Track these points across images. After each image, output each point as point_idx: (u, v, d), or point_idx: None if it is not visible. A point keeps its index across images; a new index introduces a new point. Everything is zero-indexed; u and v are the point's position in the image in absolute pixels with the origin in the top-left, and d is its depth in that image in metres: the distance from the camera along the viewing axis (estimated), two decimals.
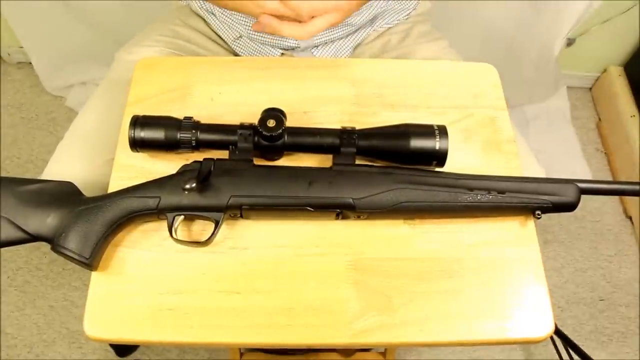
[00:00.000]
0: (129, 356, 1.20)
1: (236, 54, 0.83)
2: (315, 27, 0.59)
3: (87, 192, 0.56)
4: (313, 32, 0.59)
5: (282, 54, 0.81)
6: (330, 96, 0.65)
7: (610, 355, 1.25)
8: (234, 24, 0.78)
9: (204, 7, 0.81)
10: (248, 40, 0.80)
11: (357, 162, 0.56)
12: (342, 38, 0.81)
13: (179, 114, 0.57)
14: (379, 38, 0.84)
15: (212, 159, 0.55)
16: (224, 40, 0.83)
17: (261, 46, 0.80)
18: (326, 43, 0.80)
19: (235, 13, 0.76)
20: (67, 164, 0.70)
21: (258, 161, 0.57)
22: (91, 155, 0.69)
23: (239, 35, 0.80)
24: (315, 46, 0.80)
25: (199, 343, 0.51)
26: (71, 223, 0.52)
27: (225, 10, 0.78)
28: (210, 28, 0.83)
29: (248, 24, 0.77)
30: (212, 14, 0.81)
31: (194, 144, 0.56)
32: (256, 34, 0.78)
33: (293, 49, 0.80)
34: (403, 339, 0.51)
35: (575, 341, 1.12)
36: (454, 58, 0.82)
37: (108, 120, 0.69)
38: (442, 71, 0.68)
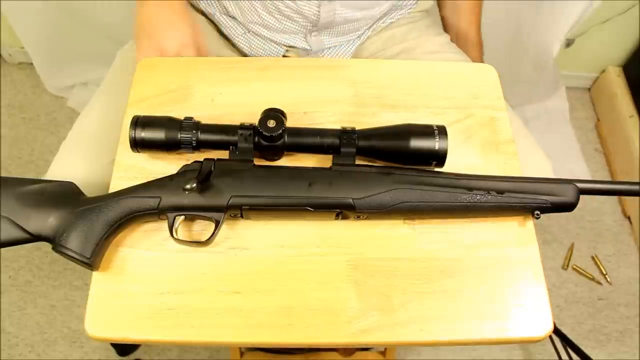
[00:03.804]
0: (130, 355, 1.20)
1: (241, 52, 0.83)
2: None
3: (90, 192, 0.56)
4: None
5: (287, 50, 0.81)
6: (330, 96, 0.65)
7: (608, 354, 1.26)
8: (245, 21, 0.79)
9: (212, 5, 0.81)
10: (254, 37, 0.80)
11: (357, 162, 0.56)
12: (349, 41, 0.82)
13: (179, 114, 0.57)
14: (382, 32, 0.84)
15: (212, 159, 0.55)
16: (227, 39, 0.83)
17: (265, 42, 0.80)
18: (334, 46, 0.81)
19: (250, 12, 0.77)
20: (70, 164, 0.70)
21: (258, 161, 0.57)
22: (94, 155, 0.69)
23: (244, 31, 0.81)
24: (325, 49, 0.81)
25: (199, 342, 0.52)
26: (72, 223, 0.52)
27: (245, 10, 0.77)
28: (215, 27, 0.83)
29: (259, 24, 0.77)
30: (223, 13, 0.81)
31: (194, 144, 0.56)
32: (267, 32, 0.78)
33: (302, 49, 0.80)
34: (403, 339, 0.52)
35: (574, 340, 1.12)
36: (457, 53, 0.82)
37: (111, 119, 0.70)
38: (442, 72, 0.68)
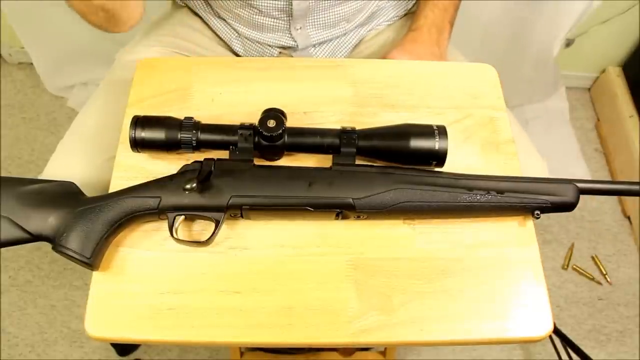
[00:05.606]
0: (130, 355, 1.20)
1: (236, 54, 0.83)
2: None
3: (87, 191, 0.56)
4: None
5: (280, 52, 0.81)
6: (330, 96, 0.65)
7: (608, 354, 1.26)
8: (233, 22, 0.79)
9: (205, 9, 0.81)
10: (246, 39, 0.80)
11: (357, 162, 0.56)
12: (339, 37, 0.81)
13: (179, 114, 0.57)
14: (378, 35, 0.84)
15: (212, 159, 0.55)
16: (223, 40, 0.83)
17: (259, 45, 0.80)
18: (324, 42, 0.80)
19: (231, 12, 0.77)
20: (67, 164, 0.70)
21: (258, 161, 0.57)
22: (91, 154, 0.70)
23: (237, 35, 0.81)
24: (313, 45, 0.80)
25: (199, 342, 0.52)
26: (72, 223, 0.52)
27: (226, 11, 0.78)
28: (210, 28, 0.83)
29: (242, 24, 0.78)
30: (216, 16, 0.81)
31: (194, 144, 0.56)
32: (253, 33, 0.78)
33: (291, 47, 0.80)
34: (403, 339, 0.52)
35: (574, 340, 1.12)
36: (453, 53, 0.82)
37: (108, 120, 0.70)
38: (442, 72, 0.68)
